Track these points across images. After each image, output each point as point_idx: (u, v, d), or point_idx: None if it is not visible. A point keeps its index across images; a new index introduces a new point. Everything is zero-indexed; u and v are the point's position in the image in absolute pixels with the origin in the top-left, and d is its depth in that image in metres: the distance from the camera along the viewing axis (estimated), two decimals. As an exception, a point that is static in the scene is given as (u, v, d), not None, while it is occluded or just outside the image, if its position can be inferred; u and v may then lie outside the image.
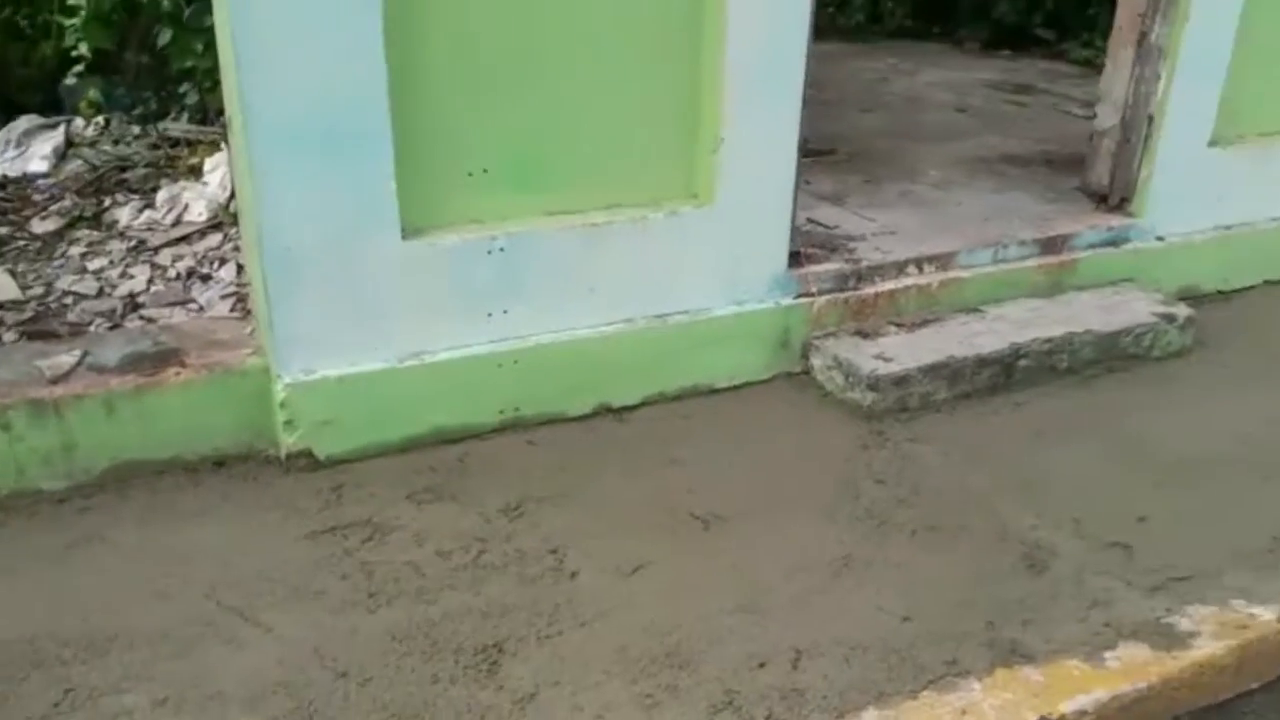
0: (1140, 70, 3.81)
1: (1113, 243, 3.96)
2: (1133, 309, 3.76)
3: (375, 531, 2.64)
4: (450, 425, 2.96)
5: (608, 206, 3.06)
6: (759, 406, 3.31)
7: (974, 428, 3.26)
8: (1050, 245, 3.85)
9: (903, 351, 3.39)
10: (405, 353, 2.87)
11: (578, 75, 2.89)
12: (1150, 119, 3.86)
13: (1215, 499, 2.92)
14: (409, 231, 2.78)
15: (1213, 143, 4.02)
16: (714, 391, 3.35)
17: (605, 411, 3.19)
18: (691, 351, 3.25)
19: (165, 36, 4.14)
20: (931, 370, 3.34)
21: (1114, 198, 4.04)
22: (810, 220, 3.91)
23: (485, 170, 2.85)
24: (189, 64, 4.15)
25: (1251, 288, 4.33)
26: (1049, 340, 3.53)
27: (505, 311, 2.95)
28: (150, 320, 3.23)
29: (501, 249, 2.89)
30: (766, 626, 2.37)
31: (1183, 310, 3.78)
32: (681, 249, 3.15)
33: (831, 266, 3.51)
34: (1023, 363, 3.49)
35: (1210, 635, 2.39)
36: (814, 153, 4.77)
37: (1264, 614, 2.47)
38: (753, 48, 3.01)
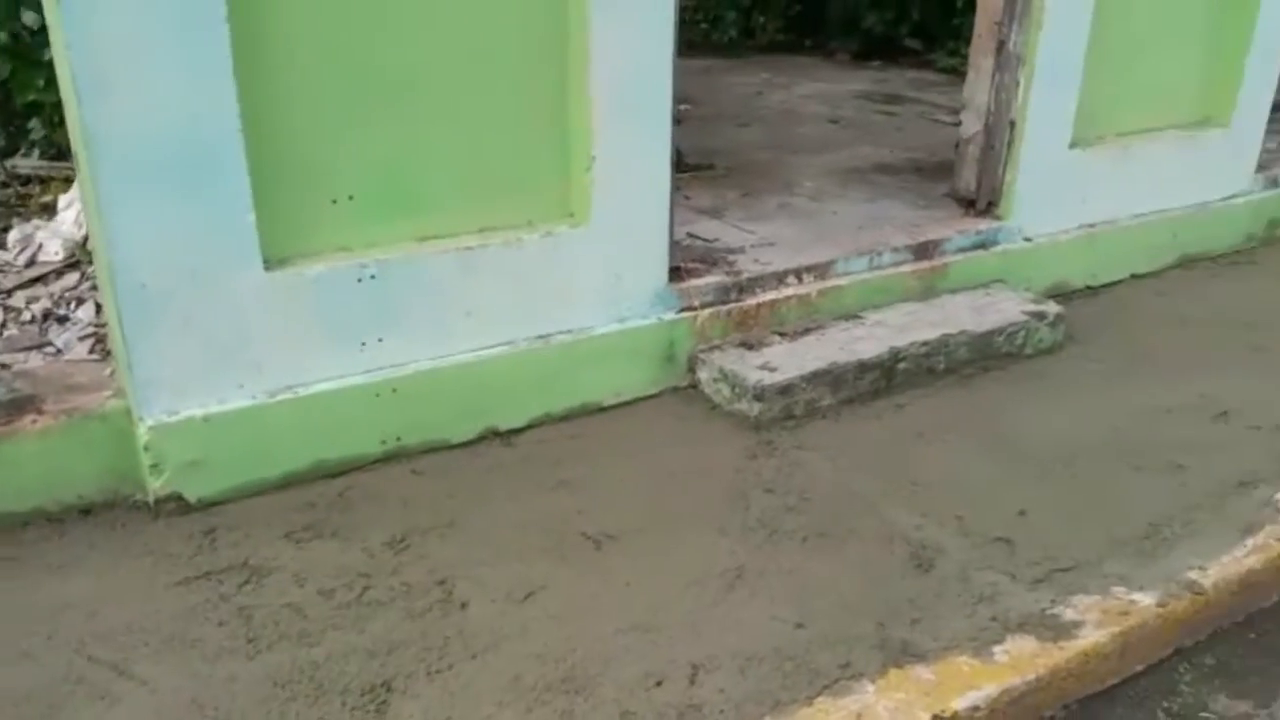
0: (1000, 77, 3.95)
1: (982, 245, 4.08)
2: (1004, 309, 3.87)
3: (252, 574, 2.53)
4: (329, 459, 2.86)
5: (481, 229, 3.01)
6: (647, 422, 3.30)
7: (858, 432, 3.30)
8: (923, 250, 3.95)
9: (786, 361, 3.43)
10: (276, 387, 2.77)
11: (442, 98, 2.84)
12: (1012, 124, 4.00)
13: (1091, 490, 3.02)
14: (272, 262, 2.68)
15: (1073, 145, 4.19)
16: (602, 410, 3.32)
17: (492, 435, 3.13)
18: (576, 371, 3.22)
19: (4, 70, 3.93)
20: (815, 378, 3.38)
21: (981, 202, 4.17)
22: (690, 235, 3.93)
23: (351, 196, 2.77)
24: (32, 98, 3.95)
25: (1118, 282, 4.52)
26: (926, 343, 3.61)
27: (380, 340, 2.87)
28: (4, 366, 3.04)
29: (372, 276, 2.81)
30: (662, 643, 2.34)
31: (1052, 308, 3.92)
32: (560, 268, 3.12)
33: (713, 280, 3.52)
34: (902, 366, 3.57)
35: (1094, 624, 2.46)
36: (692, 167, 4.82)
37: (1144, 599, 2.56)
38: (618, 67, 3.01)
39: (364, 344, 2.85)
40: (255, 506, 2.76)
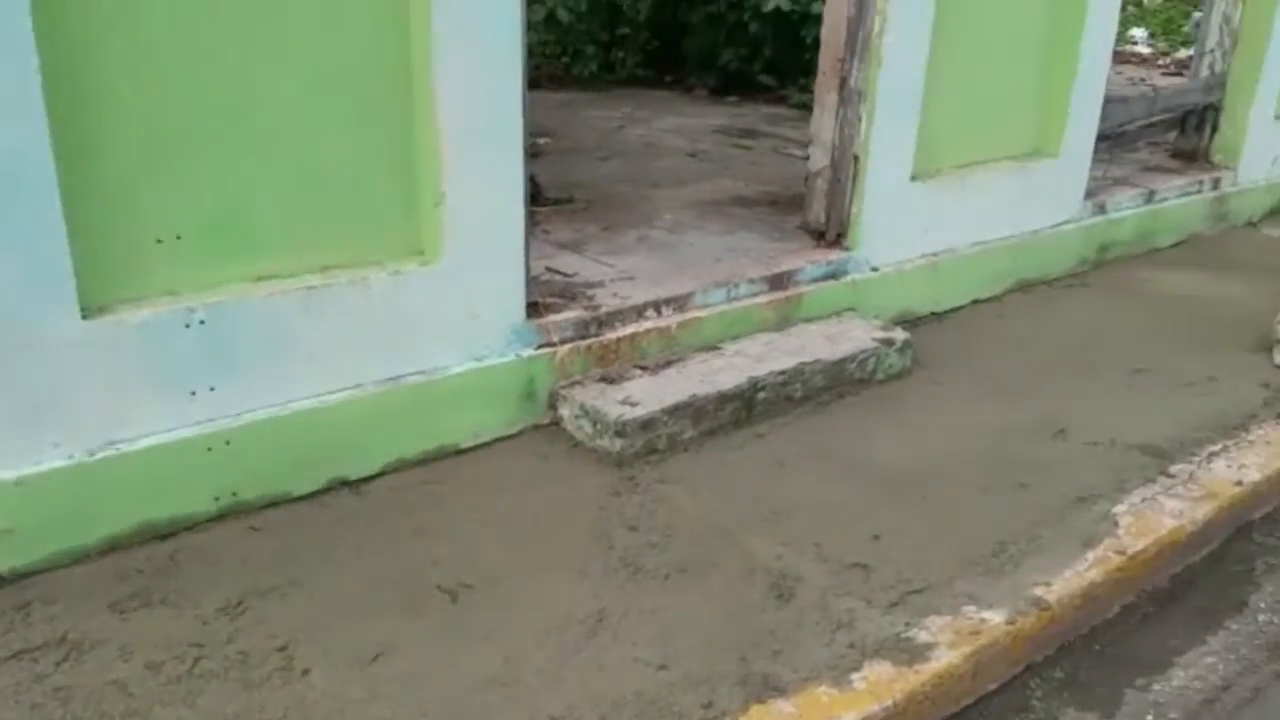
0: (844, 113, 4.05)
1: (833, 275, 4.17)
2: (855, 336, 3.96)
3: (71, 650, 2.31)
4: (158, 519, 2.66)
5: (324, 268, 2.88)
6: (508, 463, 3.21)
7: (720, 463, 3.30)
8: (777, 281, 4.01)
9: (648, 394, 3.40)
10: (96, 444, 2.56)
11: (278, 131, 2.71)
12: (856, 158, 4.10)
13: (941, 511, 3.09)
14: (90, 309, 2.48)
15: (914, 177, 4.33)
16: (459, 452, 3.22)
17: (340, 485, 2.99)
18: (431, 413, 3.11)
19: None
20: (676, 411, 3.36)
21: (831, 233, 4.26)
22: (549, 269, 3.88)
23: (178, 236, 2.61)
24: None
25: (961, 308, 4.68)
26: (783, 372, 3.65)
27: (212, 389, 2.69)
28: None
29: (202, 321, 2.64)
30: (520, 697, 2.25)
31: (900, 334, 4.02)
32: (410, 307, 3.01)
33: (572, 314, 3.47)
34: (761, 395, 3.59)
35: (947, 645, 2.49)
36: (551, 201, 4.78)
37: (994, 618, 2.61)
38: (466, 99, 2.94)
39: (194, 393, 2.67)
40: (75, 576, 2.54)
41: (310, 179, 2.79)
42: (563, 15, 7.89)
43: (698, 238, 4.45)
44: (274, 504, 2.87)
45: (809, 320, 4.05)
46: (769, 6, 7.52)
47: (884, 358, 3.92)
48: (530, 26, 8.03)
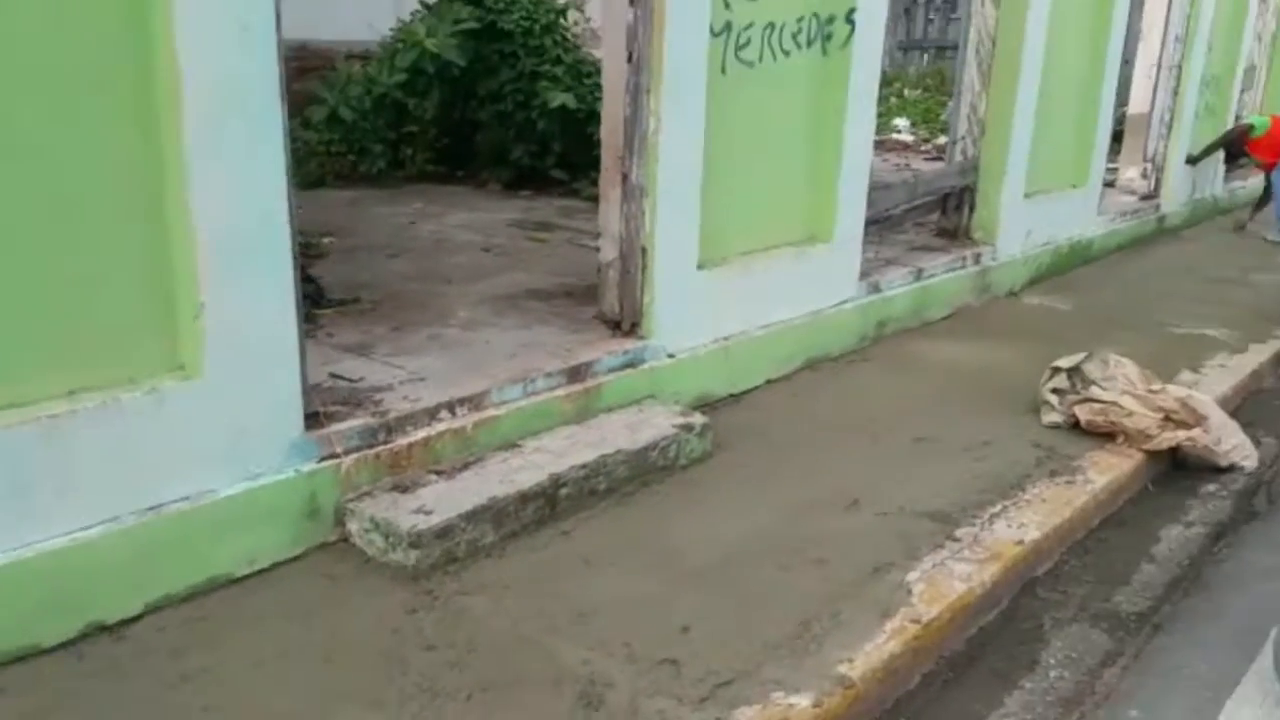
0: (628, 207, 4.13)
1: (631, 364, 4.19)
2: (655, 424, 3.97)
3: None
4: None
5: (70, 393, 2.62)
6: (291, 589, 2.98)
7: (525, 566, 3.19)
8: (575, 374, 3.98)
9: (443, 501, 3.26)
10: None
11: (7, 248, 2.46)
12: (644, 250, 4.18)
13: (746, 595, 3.09)
14: None
15: (701, 266, 4.45)
16: (235, 581, 2.96)
17: (97, 631, 2.67)
18: (199, 542, 2.85)
19: None
20: (475, 515, 3.24)
21: (626, 323, 4.29)
22: (333, 375, 3.70)
23: (-115, 367, 2.31)
24: None
25: (756, 388, 4.80)
26: (585, 466, 3.60)
27: (-66, 537, 2.37)
28: None
29: (-82, 462, 2.34)
30: None
31: (699, 419, 4.07)
32: (170, 428, 2.77)
33: (357, 422, 3.31)
34: (564, 491, 3.52)
35: (756, 736, 2.46)
36: (336, 303, 4.61)
37: (800, 701, 2.60)
38: (224, 206, 2.78)
39: (-89, 544, 2.34)
40: None
41: (49, 297, 2.55)
42: (346, 114, 7.78)
43: (493, 334, 4.38)
44: (20, 659, 2.53)
45: (610, 410, 4.03)
46: (555, 104, 7.68)
47: (685, 443, 3.94)
48: (312, 126, 7.95)
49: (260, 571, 3.02)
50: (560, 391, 3.90)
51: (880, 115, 13.54)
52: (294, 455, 3.09)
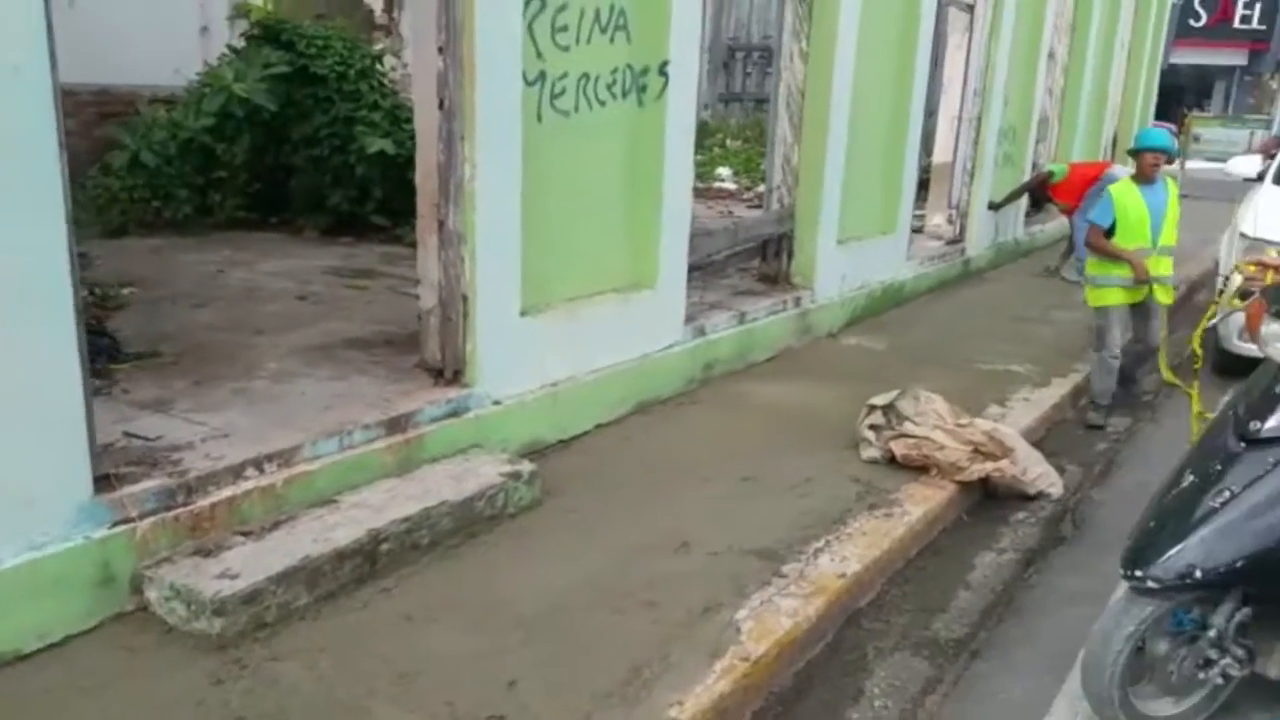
0: (446, 254, 4.12)
1: (454, 413, 4.14)
2: (482, 473, 3.93)
3: None
4: None
5: None
6: (85, 664, 2.78)
7: (342, 628, 3.08)
8: (395, 424, 3.91)
9: (251, 563, 3.12)
10: None
11: None
12: (465, 297, 4.17)
13: (577, 644, 3.08)
14: None
15: (524, 312, 4.47)
16: (23, 658, 2.75)
17: None
18: (-26, 619, 2.62)
19: None
20: (286, 577, 3.12)
21: (449, 371, 4.26)
22: (127, 434, 3.50)
23: None
24: None
25: (585, 433, 4.82)
26: (407, 519, 3.53)
27: None
28: None
29: None
30: None
31: (527, 466, 4.06)
32: (-66, 498, 2.56)
33: (153, 484, 3.14)
34: (385, 547, 3.43)
35: (584, 788, 2.45)
36: (133, 356, 4.37)
37: (632, 751, 2.61)
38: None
39: None
40: None
41: None
42: (149, 158, 7.44)
43: (307, 385, 4.26)
44: None
45: (434, 461, 3.98)
46: (373, 149, 7.59)
47: (513, 491, 3.92)
48: (113, 172, 7.54)
49: (52, 646, 2.82)
50: (380, 443, 3.81)
51: (703, 164, 14.11)
52: (83, 521, 2.89)
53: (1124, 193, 5.67)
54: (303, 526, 3.37)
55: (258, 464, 3.43)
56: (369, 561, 3.37)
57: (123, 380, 4.07)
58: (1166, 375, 5.44)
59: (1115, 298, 5.75)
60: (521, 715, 2.71)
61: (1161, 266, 5.72)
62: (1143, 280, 5.63)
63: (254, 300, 5.78)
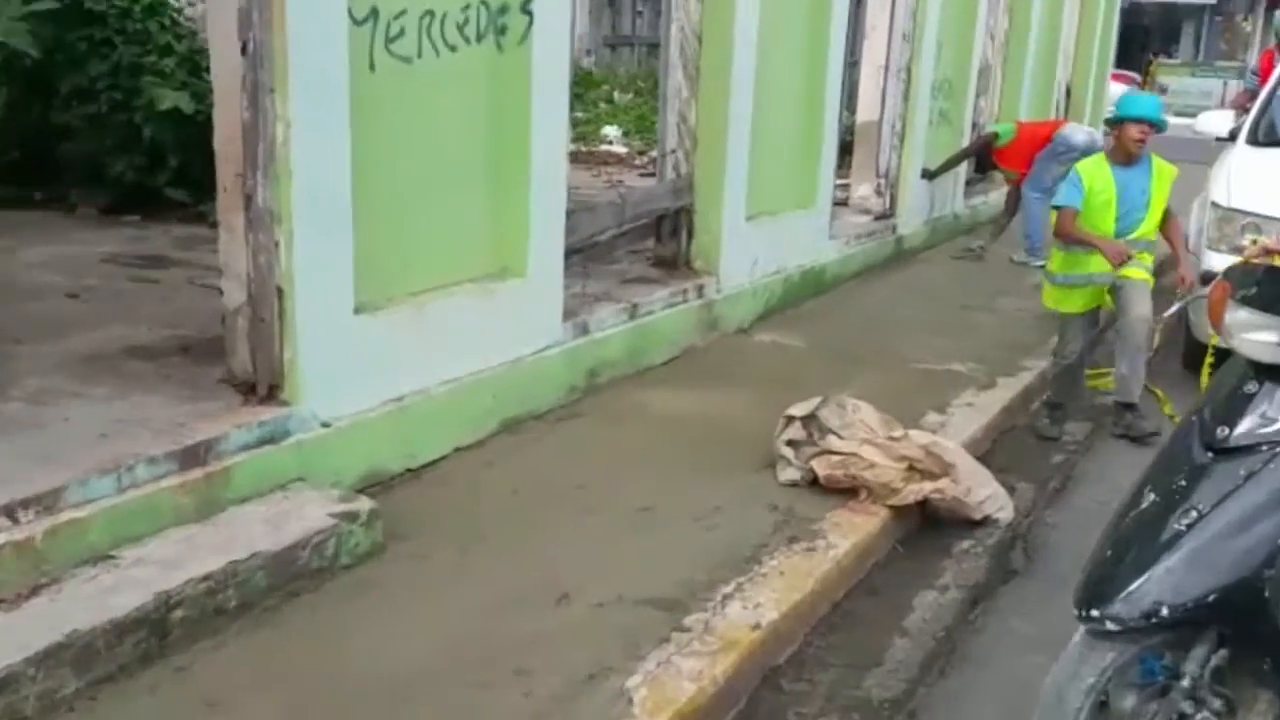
0: (255, 238, 4.00)
1: (271, 439, 4.03)
2: (307, 514, 3.84)
3: None
4: None
5: None
6: None
7: (122, 722, 2.93)
8: (192, 456, 3.79)
9: (2, 641, 3.00)
10: None
11: None
12: (280, 291, 4.05)
13: (426, 726, 3.00)
14: None
15: (359, 310, 4.37)
16: None
17: None
18: None
19: None
20: (49, 657, 3.01)
21: (262, 386, 4.13)
22: None
23: None
24: None
25: (442, 459, 4.75)
26: (208, 576, 3.44)
27: None
28: None
29: None
30: None
31: (365, 504, 3.98)
32: None
33: None
34: (178, 614, 3.34)
35: None
36: None
37: None
38: None
39: None
40: None
41: None
42: None
43: (76, 408, 4.11)
44: None
45: (244, 501, 3.88)
46: (165, 105, 7.37)
47: (347, 537, 3.85)
48: None
49: None
50: (171, 481, 3.70)
51: (586, 123, 14.11)
52: None
53: (1093, 172, 5.77)
54: (70, 591, 3.27)
55: (9, 511, 3.30)
56: (158, 634, 3.27)
57: None
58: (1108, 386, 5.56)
59: (1080, 302, 5.87)
60: (356, 825, 2.61)
61: (1133, 267, 5.72)
62: (1120, 265, 5.62)
63: (11, 299, 5.54)
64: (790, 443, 4.78)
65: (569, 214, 5.52)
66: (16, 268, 6.18)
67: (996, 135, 9.88)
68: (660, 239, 6.82)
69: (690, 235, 6.83)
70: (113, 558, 3.43)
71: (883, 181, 9.72)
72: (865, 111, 9.79)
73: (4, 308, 5.35)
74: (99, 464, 3.59)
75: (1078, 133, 9.67)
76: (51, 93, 7.82)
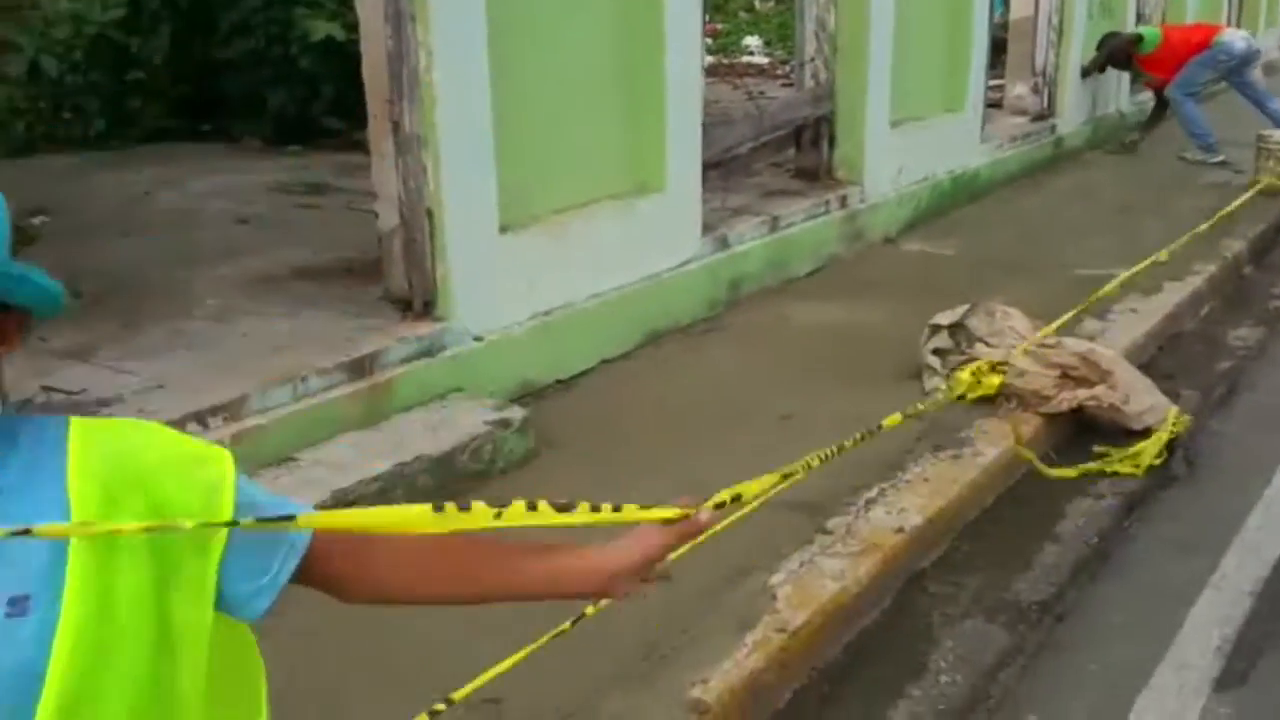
0: (404, 162, 4.15)
1: (428, 352, 4.22)
2: (464, 422, 4.02)
3: None
4: None
5: None
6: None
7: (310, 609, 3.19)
8: (358, 368, 4.00)
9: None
10: None
11: None
12: (430, 213, 4.21)
13: (580, 621, 3.16)
14: None
15: (504, 229, 4.51)
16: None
17: None
18: None
19: None
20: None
21: (418, 303, 4.32)
22: (46, 388, 3.67)
23: None
24: None
25: (589, 371, 4.90)
26: (378, 478, 3.64)
27: None
28: None
29: None
30: None
31: (517, 413, 4.14)
32: None
33: (76, 448, 3.25)
34: (352, 512, 3.54)
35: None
36: (45, 300, 4.47)
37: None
38: None
39: None
40: None
41: None
42: (49, 66, 7.48)
43: (253, 325, 4.37)
44: None
45: (407, 410, 4.07)
46: (319, 37, 7.58)
47: (502, 443, 4.01)
48: (10, 81, 7.58)
49: None
50: (341, 391, 3.91)
51: (726, 34, 13.90)
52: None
53: None
54: (256, 491, 3.49)
55: (200, 419, 3.54)
56: (334, 530, 3.48)
57: (37, 328, 4.17)
58: None
59: None
60: (517, 698, 2.82)
61: None
62: None
63: (187, 226, 5.89)
64: (936, 352, 4.76)
65: (706, 127, 5.53)
66: (191, 198, 6.54)
67: (1140, 38, 9.48)
68: (800, 149, 6.79)
69: (832, 144, 6.77)
70: (292, 460, 3.66)
71: (1039, 80, 9.39)
72: (1020, 6, 9.46)
73: (182, 234, 5.73)
74: (276, 375, 3.82)
75: (1238, 40, 9.29)
76: (211, 29, 8.09)
